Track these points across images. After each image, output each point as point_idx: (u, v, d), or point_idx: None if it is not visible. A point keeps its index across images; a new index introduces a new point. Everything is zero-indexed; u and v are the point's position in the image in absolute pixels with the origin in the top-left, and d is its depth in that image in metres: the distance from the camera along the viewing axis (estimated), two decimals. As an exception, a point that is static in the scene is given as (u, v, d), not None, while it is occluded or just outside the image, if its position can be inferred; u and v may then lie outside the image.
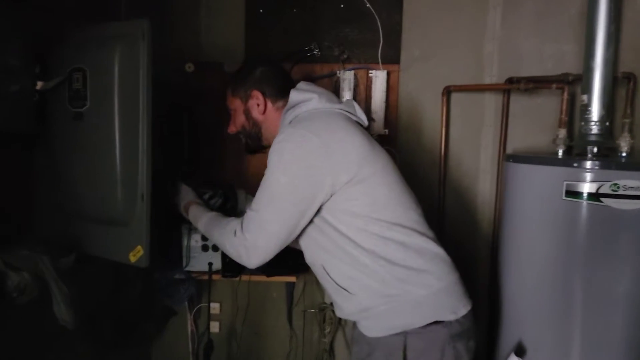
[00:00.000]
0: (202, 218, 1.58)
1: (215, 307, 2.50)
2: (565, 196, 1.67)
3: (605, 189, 1.61)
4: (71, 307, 1.34)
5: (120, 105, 1.41)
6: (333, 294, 1.49)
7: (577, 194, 1.65)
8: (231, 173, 2.37)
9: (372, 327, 1.42)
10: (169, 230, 2.11)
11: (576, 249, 1.69)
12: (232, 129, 1.66)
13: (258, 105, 1.56)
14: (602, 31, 1.84)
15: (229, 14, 2.40)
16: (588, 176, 1.63)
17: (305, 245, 1.50)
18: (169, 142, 2.25)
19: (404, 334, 1.36)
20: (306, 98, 1.49)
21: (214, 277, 2.16)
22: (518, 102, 2.26)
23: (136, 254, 1.47)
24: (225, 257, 2.13)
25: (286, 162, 1.34)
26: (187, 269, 2.14)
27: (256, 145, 1.60)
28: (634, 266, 1.66)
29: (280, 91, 1.56)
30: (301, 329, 2.49)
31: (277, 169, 1.35)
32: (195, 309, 2.42)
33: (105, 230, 1.52)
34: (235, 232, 1.40)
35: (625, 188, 1.59)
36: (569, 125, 2.08)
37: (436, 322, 1.37)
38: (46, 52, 1.49)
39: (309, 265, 1.55)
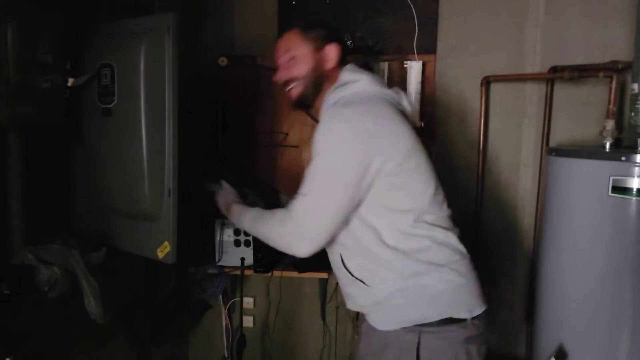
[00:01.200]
0: (245, 216, 1.51)
1: (249, 301, 2.51)
2: (612, 192, 1.57)
3: (657, 185, 1.49)
4: (100, 302, 1.36)
5: (146, 100, 1.41)
6: (347, 285, 1.44)
7: (625, 190, 1.54)
8: (263, 166, 2.37)
9: (385, 320, 1.37)
10: (201, 225, 2.12)
11: (624, 248, 1.58)
12: (286, 74, 1.46)
13: (332, 58, 1.44)
14: (656, 14, 1.71)
15: (262, 7, 2.39)
16: (637, 171, 1.52)
17: None
18: (203, 135, 2.26)
19: (418, 332, 1.32)
20: (356, 78, 1.40)
21: (247, 272, 2.16)
22: (562, 92, 2.14)
23: (163, 250, 1.47)
24: (257, 253, 2.13)
25: (337, 143, 1.28)
26: (220, 263, 2.15)
27: (311, 99, 1.46)
28: (688, 268, 1.54)
29: (344, 51, 1.47)
30: (334, 325, 2.46)
31: (328, 151, 1.28)
32: (229, 303, 2.43)
33: (134, 226, 1.54)
34: (283, 221, 1.33)
35: (679, 184, 1.47)
36: (618, 116, 1.95)
37: (452, 322, 1.32)
38: (77, 48, 1.51)
39: (328, 251, 1.47)
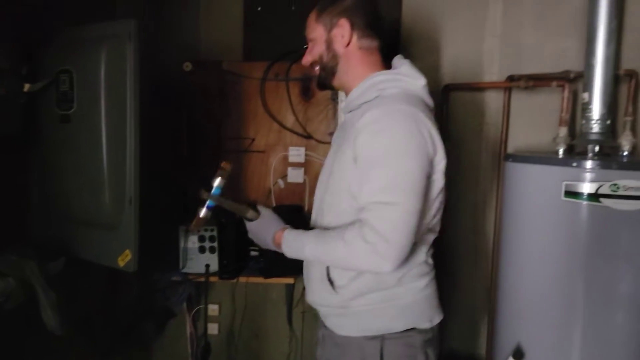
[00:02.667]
0: (306, 243, 1.28)
1: (214, 308, 2.48)
2: (565, 196, 1.63)
3: (605, 190, 1.57)
4: (58, 313, 1.33)
5: (107, 107, 1.40)
6: (315, 281, 1.36)
7: (577, 194, 1.61)
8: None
9: (346, 325, 1.34)
10: (165, 232, 2.10)
11: (576, 249, 1.66)
12: (307, 59, 1.41)
13: (342, 36, 1.35)
14: (603, 27, 1.80)
15: (227, 13, 2.39)
16: (587, 176, 1.60)
17: (338, 212, 1.31)
18: (168, 140, 2.24)
19: (381, 339, 1.30)
20: (411, 75, 1.33)
21: (212, 278, 2.14)
22: (519, 100, 2.22)
23: (124, 258, 1.45)
24: (222, 259, 2.12)
25: (409, 143, 1.20)
26: (184, 270, 2.13)
27: (329, 80, 1.40)
28: (634, 266, 1.62)
29: (368, 27, 1.36)
30: (301, 330, 2.47)
31: (402, 153, 1.19)
32: (194, 311, 2.41)
33: (94, 234, 1.51)
34: (364, 238, 1.17)
35: (625, 188, 1.55)
36: (571, 123, 2.04)
37: (413, 329, 1.32)
38: (34, 53, 1.48)
39: None
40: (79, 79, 1.42)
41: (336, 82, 1.41)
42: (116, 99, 1.40)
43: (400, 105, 1.24)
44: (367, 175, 1.21)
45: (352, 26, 1.34)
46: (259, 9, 2.35)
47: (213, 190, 1.39)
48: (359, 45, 1.36)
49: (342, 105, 2.18)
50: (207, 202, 1.38)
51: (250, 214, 1.38)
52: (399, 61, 1.39)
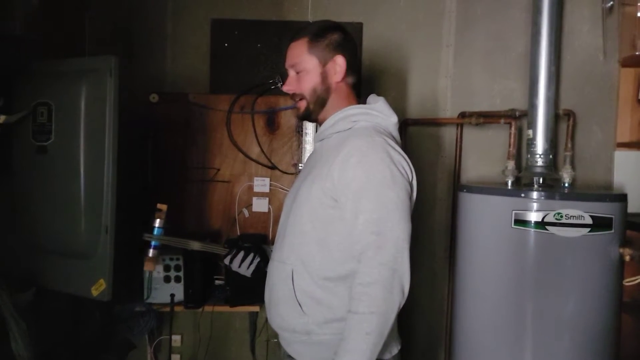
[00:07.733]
0: (357, 346, 1.20)
1: (176, 339, 2.46)
2: (514, 224, 1.77)
3: (550, 218, 1.72)
4: (29, 343, 1.31)
5: (86, 139, 1.43)
6: (282, 303, 1.36)
7: (525, 222, 1.76)
8: (195, 200, 2.39)
9: (308, 353, 1.36)
10: (130, 261, 2.09)
11: (525, 274, 1.79)
12: (290, 88, 1.42)
13: (336, 72, 1.39)
14: (544, 71, 2.00)
15: (195, 47, 2.46)
16: (534, 206, 1.75)
17: (299, 233, 1.35)
18: (134, 169, 2.25)
19: None
20: (384, 112, 1.39)
21: (176, 308, 2.14)
22: (471, 134, 2.39)
23: (98, 288, 1.46)
24: (188, 288, 2.13)
25: (390, 172, 1.26)
26: (149, 300, 2.12)
27: (317, 113, 1.42)
28: (578, 290, 1.77)
29: (353, 64, 1.42)
30: (264, 359, 2.48)
31: (385, 181, 1.25)
32: (155, 342, 2.38)
33: (66, 264, 1.51)
34: (383, 283, 1.21)
35: (568, 217, 1.71)
36: (518, 157, 2.22)
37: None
38: (10, 85, 1.49)
39: (278, 261, 1.40)
40: (58, 111, 1.44)
41: (322, 116, 1.43)
42: (94, 131, 1.42)
43: (375, 137, 1.30)
44: (354, 209, 1.25)
45: (347, 62, 1.39)
46: (226, 45, 2.44)
47: (155, 231, 1.59)
48: (345, 80, 1.41)
49: (307, 136, 2.28)
50: (152, 243, 1.60)
51: (194, 245, 1.59)
52: (373, 98, 1.46)
